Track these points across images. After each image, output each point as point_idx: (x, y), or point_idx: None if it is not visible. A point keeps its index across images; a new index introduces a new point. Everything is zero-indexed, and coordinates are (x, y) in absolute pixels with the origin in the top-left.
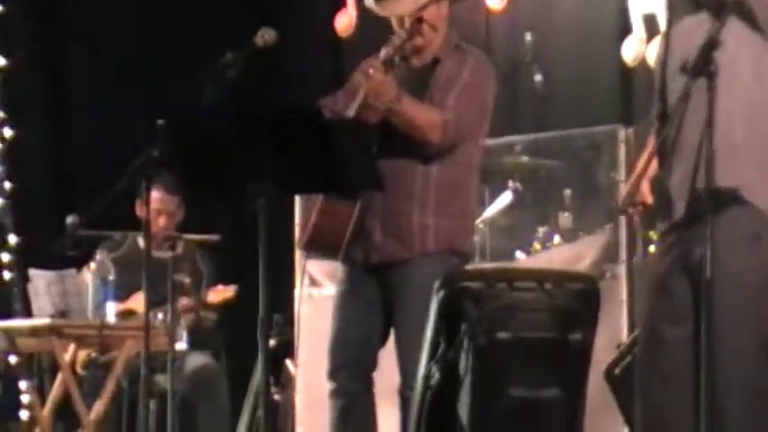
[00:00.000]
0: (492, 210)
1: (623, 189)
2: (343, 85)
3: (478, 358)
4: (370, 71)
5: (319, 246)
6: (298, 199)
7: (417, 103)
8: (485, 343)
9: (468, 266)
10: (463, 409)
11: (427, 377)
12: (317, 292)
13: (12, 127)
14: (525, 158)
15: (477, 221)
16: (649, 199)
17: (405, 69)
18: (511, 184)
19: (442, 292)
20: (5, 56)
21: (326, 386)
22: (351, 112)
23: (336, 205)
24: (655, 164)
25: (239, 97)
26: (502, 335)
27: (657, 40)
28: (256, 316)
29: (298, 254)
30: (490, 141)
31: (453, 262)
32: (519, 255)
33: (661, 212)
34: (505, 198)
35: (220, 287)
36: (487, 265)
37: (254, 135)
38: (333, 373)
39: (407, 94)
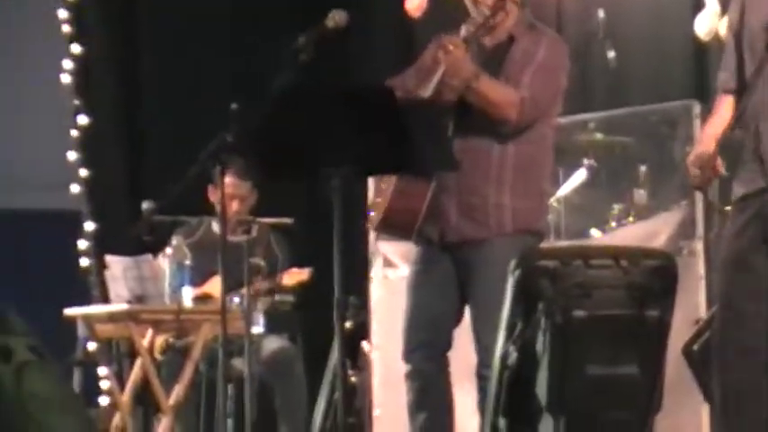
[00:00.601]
0: (566, 188)
1: (691, 162)
2: (413, 65)
3: (555, 337)
4: (450, 47)
5: (393, 226)
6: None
7: (494, 80)
8: (561, 321)
9: (544, 245)
10: (541, 388)
11: (504, 357)
12: (391, 272)
13: (87, 114)
14: (599, 135)
15: (552, 200)
16: (722, 169)
17: (477, 48)
18: (585, 161)
19: (517, 272)
20: (80, 43)
21: (403, 367)
22: (427, 92)
23: (411, 185)
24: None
25: (311, 80)
26: (578, 313)
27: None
28: (332, 298)
29: (372, 235)
30: (564, 119)
31: (528, 241)
32: (594, 233)
33: (740, 179)
34: (580, 176)
35: (295, 270)
36: (563, 244)
37: (326, 117)
38: (407, 355)
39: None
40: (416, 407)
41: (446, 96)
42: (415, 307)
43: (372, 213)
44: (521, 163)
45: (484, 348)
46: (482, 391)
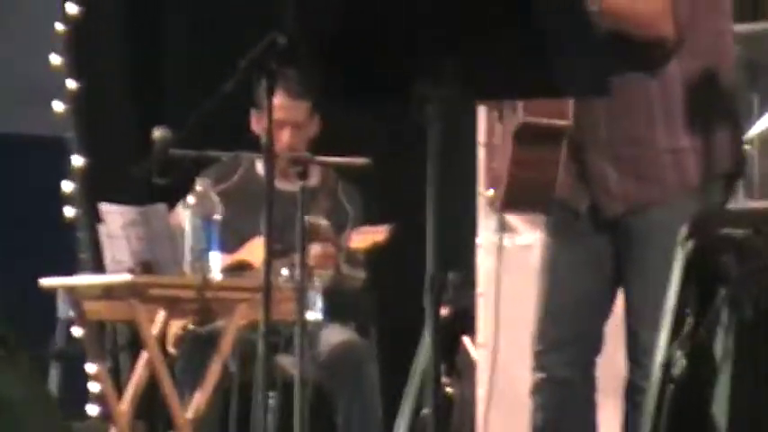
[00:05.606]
0: (763, 124)
1: None
2: None
3: (742, 337)
4: None
5: (520, 202)
6: (482, 114)
7: None
8: (752, 315)
9: (729, 205)
10: (719, 408)
11: (668, 364)
12: (509, 240)
13: (77, 1)
14: None
15: (743, 140)
16: None
17: None
18: None
19: (689, 243)
20: None
21: (522, 376)
22: None
23: (534, 149)
24: None
25: None
26: None
27: None
28: (421, 273)
29: (482, 184)
30: (758, 25)
31: (723, 191)
32: None
33: None
34: None
35: (368, 228)
36: (756, 204)
37: (423, 11)
38: (541, 357)
39: None
40: (547, 428)
41: None
42: (553, 291)
43: (492, 190)
44: (692, 85)
45: (643, 351)
46: (636, 409)
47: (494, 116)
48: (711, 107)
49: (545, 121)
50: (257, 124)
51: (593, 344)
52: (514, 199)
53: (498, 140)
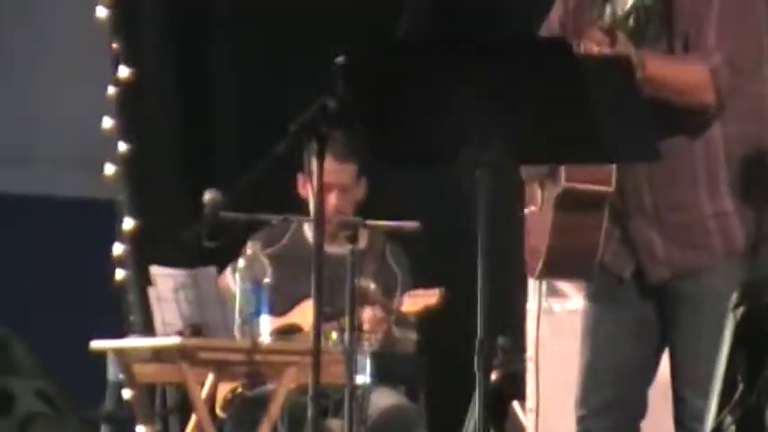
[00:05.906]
0: None
1: None
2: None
3: None
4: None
5: (560, 269)
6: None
7: (667, 58)
8: None
9: None
10: None
11: (718, 430)
12: (559, 305)
13: (129, 64)
14: None
15: None
16: None
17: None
18: None
19: (741, 309)
20: None
21: None
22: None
23: (576, 216)
24: None
25: (448, 26)
26: None
27: None
28: (471, 338)
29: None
30: None
31: None
32: None
33: None
34: None
35: (420, 291)
36: None
37: (469, 78)
38: (584, 421)
39: (649, 48)
40: None
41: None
42: (596, 356)
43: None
44: (735, 149)
45: (692, 417)
46: None
47: (534, 185)
48: (755, 171)
49: (587, 187)
50: (304, 188)
51: (637, 408)
52: (554, 266)
53: (537, 207)
